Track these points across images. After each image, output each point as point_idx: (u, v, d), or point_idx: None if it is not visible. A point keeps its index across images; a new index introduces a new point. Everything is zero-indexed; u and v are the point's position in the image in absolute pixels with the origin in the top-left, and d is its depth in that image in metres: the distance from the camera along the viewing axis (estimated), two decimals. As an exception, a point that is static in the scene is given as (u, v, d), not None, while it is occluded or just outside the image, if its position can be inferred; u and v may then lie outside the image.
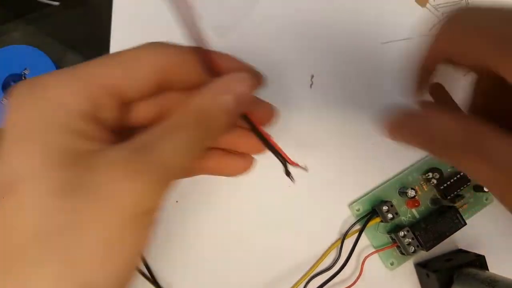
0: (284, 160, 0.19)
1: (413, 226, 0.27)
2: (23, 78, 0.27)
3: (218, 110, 0.16)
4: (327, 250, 0.27)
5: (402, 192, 0.28)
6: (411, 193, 0.27)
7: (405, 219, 0.28)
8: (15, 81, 0.27)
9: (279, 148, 0.19)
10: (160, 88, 0.17)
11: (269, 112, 0.20)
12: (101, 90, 0.15)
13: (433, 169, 0.28)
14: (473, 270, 0.25)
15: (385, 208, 0.27)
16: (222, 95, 0.16)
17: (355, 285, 0.27)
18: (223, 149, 0.20)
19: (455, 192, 0.27)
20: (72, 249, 0.13)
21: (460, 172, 0.28)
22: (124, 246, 0.14)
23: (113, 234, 0.13)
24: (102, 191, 0.13)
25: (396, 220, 0.27)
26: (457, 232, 0.27)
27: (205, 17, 0.30)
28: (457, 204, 0.28)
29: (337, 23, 0.30)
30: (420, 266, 0.27)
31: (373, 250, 0.27)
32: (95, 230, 0.13)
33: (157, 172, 0.14)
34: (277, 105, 0.30)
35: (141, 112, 0.18)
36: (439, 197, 0.28)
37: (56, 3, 0.29)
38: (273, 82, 0.29)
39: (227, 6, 0.30)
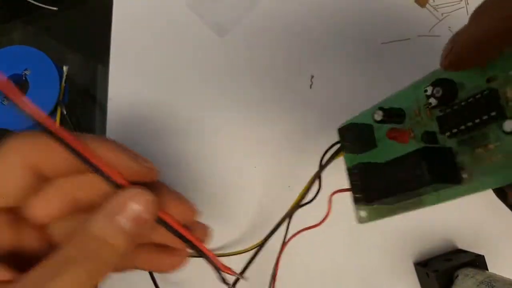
0: (216, 266, 0.18)
1: (368, 167, 0.18)
2: (24, 78, 0.27)
3: (114, 235, 0.14)
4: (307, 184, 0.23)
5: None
6: (377, 116, 0.18)
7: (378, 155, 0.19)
8: (16, 82, 0.27)
9: (210, 253, 0.17)
10: (40, 180, 0.15)
11: (188, 209, 0.18)
12: None
13: (440, 81, 0.16)
14: (473, 270, 0.25)
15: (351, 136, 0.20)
16: (116, 216, 0.14)
17: (328, 218, 0.22)
18: (154, 244, 0.18)
19: (463, 125, 0.15)
20: None
21: (478, 94, 0.14)
22: None
23: None
24: None
25: (367, 155, 0.20)
26: (456, 232, 0.26)
27: (206, 16, 0.30)
28: (462, 148, 0.15)
29: (337, 24, 0.30)
30: (420, 266, 0.27)
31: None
32: None
33: None
34: (277, 105, 0.30)
35: (58, 233, 0.16)
36: (437, 129, 0.16)
37: (54, 9, 0.29)
38: (273, 82, 0.30)
39: (227, 5, 0.30)
